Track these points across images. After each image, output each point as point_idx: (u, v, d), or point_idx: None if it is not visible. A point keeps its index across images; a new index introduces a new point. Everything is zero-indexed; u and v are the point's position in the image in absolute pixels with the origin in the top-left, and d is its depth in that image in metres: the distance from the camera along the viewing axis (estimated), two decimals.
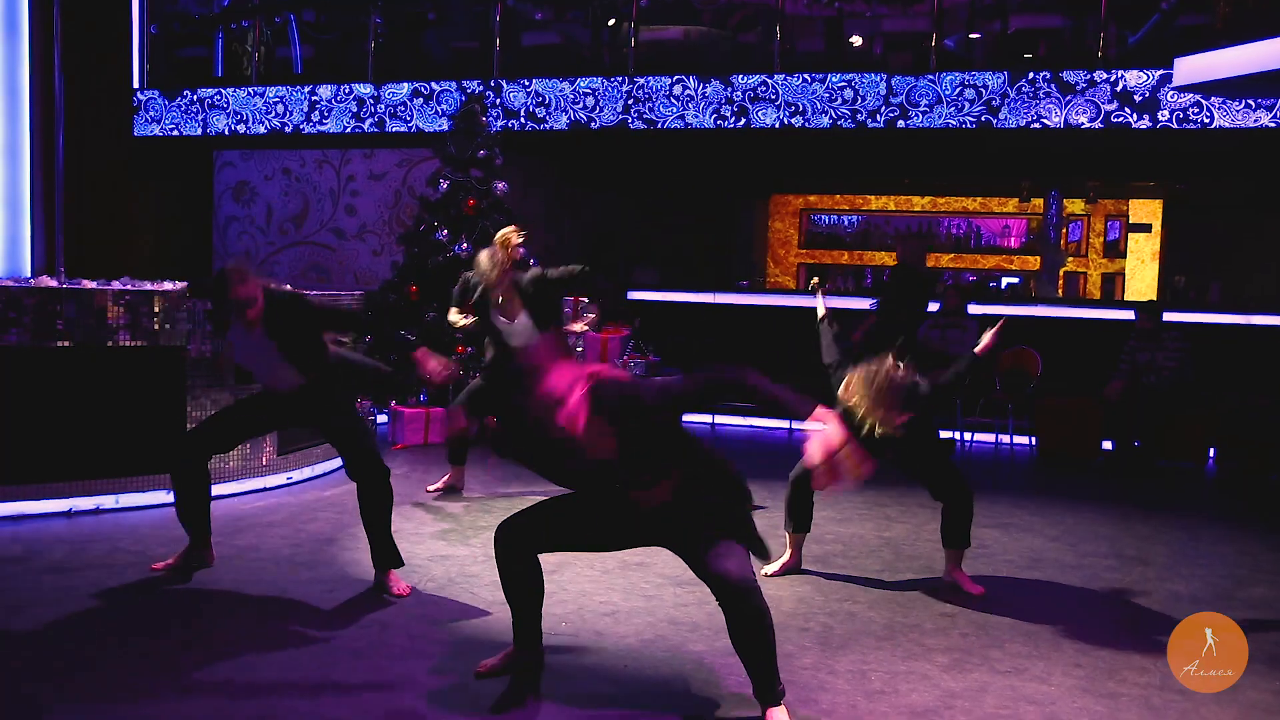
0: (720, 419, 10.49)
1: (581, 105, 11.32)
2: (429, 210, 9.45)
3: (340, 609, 4.54)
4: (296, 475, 7.08)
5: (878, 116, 10.39)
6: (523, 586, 3.72)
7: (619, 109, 11.19)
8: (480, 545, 5.61)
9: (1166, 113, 9.67)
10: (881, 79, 10.41)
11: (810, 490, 5.15)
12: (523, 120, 11.48)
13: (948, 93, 10.22)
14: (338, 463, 7.66)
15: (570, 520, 3.56)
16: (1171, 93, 9.54)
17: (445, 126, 10.92)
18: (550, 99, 11.42)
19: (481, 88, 11.58)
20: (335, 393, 5.00)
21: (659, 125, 11.09)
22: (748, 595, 3.34)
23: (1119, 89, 9.82)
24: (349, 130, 12.09)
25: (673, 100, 11.06)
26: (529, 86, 11.47)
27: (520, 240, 6.34)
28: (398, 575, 4.88)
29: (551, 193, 13.11)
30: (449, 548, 5.55)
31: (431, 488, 6.95)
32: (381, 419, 9.27)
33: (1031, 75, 10.05)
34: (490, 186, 9.43)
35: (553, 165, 13.08)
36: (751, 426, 10.29)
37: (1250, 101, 9.41)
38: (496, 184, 9.46)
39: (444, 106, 11.68)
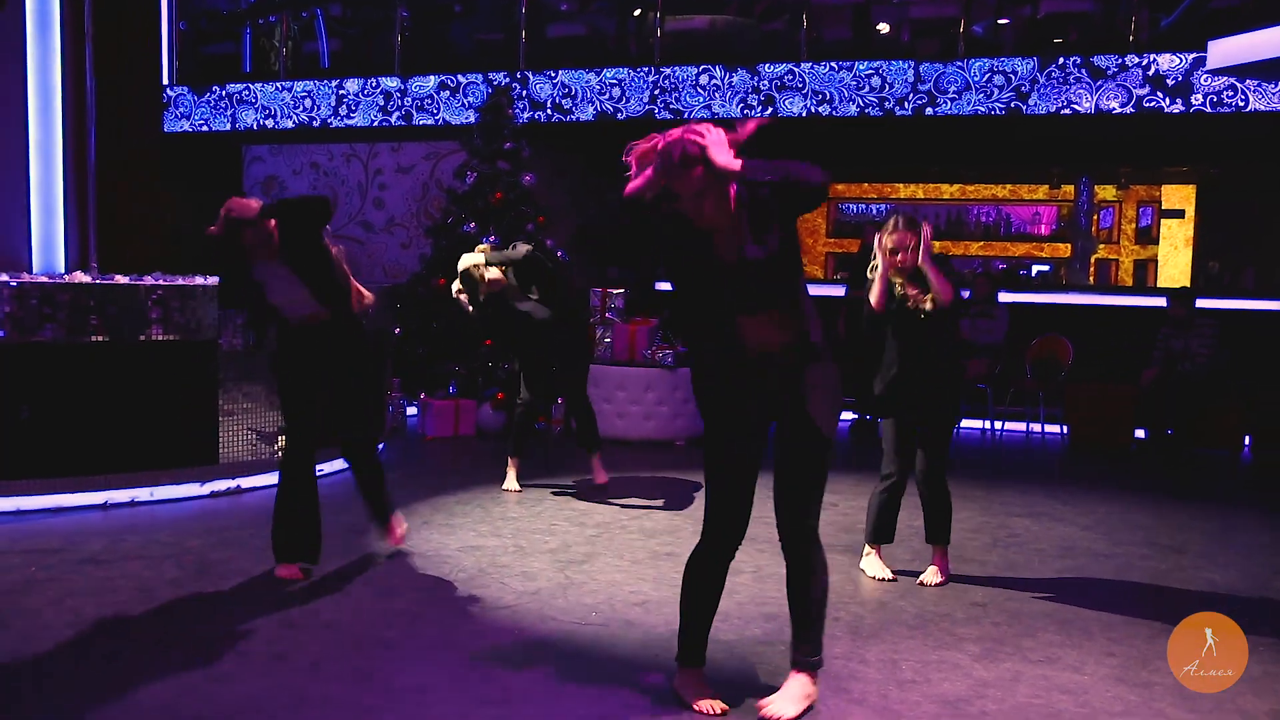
0: None
1: (608, 96, 11.31)
2: (456, 203, 9.48)
3: (371, 599, 4.57)
4: (326, 468, 7.12)
5: (905, 104, 10.33)
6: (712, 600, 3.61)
7: (645, 99, 11.18)
8: (510, 536, 5.63)
9: (1200, 97, 9.55)
10: (909, 66, 10.34)
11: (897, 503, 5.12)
12: (549, 111, 11.49)
13: (976, 79, 10.14)
14: None
15: (743, 490, 3.50)
16: (1205, 76, 9.42)
17: (472, 119, 10.95)
18: (576, 90, 11.42)
19: (507, 80, 11.58)
20: (361, 333, 4.92)
21: (685, 115, 11.07)
22: (818, 546, 3.49)
23: (1151, 73, 9.71)
24: (376, 124, 12.14)
25: (699, 90, 11.03)
26: (555, 78, 11.47)
27: (490, 275, 6.49)
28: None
29: (578, 184, 13.10)
30: (479, 539, 5.57)
31: (507, 487, 6.77)
32: (411, 410, 9.33)
33: (1061, 60, 9.95)
34: (517, 178, 9.46)
35: (579, 157, 13.08)
36: None
37: None
38: (523, 176, 9.48)
39: (470, 99, 11.70)
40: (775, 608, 4.54)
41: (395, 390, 8.87)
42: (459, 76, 11.82)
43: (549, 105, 11.49)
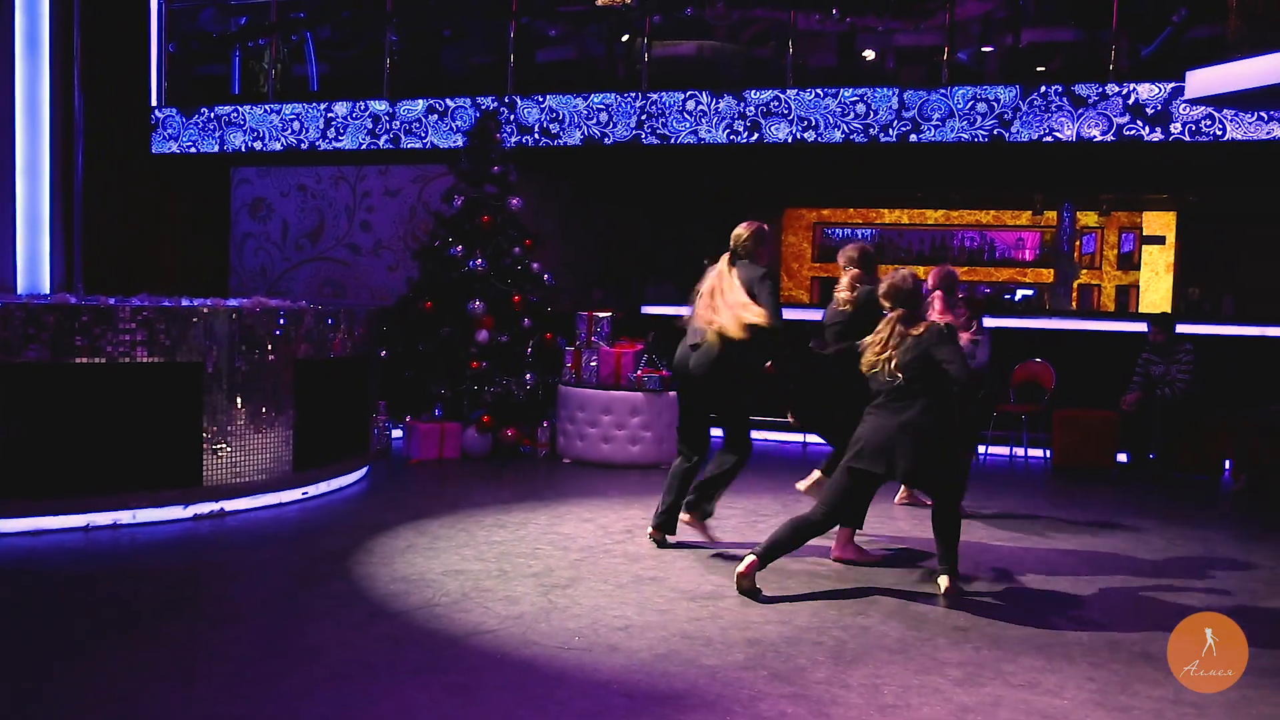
0: None
1: (595, 121, 11.35)
2: (444, 226, 9.49)
3: (354, 623, 4.55)
4: (313, 490, 7.11)
5: (890, 130, 10.40)
6: None
7: (632, 124, 11.23)
8: (494, 560, 5.61)
9: (1179, 125, 9.64)
10: (894, 93, 10.41)
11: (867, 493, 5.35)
12: (537, 136, 11.52)
13: (960, 106, 10.21)
14: (354, 476, 7.69)
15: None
16: (1184, 105, 9.52)
17: (460, 143, 10.96)
18: (564, 114, 11.46)
19: (496, 104, 11.63)
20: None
21: (672, 140, 11.12)
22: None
23: (1131, 102, 9.80)
24: (364, 147, 12.16)
25: (686, 115, 11.08)
26: (543, 102, 11.52)
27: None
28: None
29: (565, 208, 13.14)
30: (463, 562, 5.56)
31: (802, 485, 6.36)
32: (397, 433, 9.30)
33: (1044, 88, 10.04)
34: (505, 202, 9.47)
35: (567, 181, 13.11)
36: (764, 441, 10.27)
37: (1263, 114, 9.38)
38: (511, 200, 9.49)
39: (459, 123, 11.73)
40: (758, 633, 4.54)
41: (380, 413, 8.85)
42: (447, 100, 11.86)
43: (537, 129, 11.53)
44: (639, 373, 8.78)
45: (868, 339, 5.24)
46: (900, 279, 5.24)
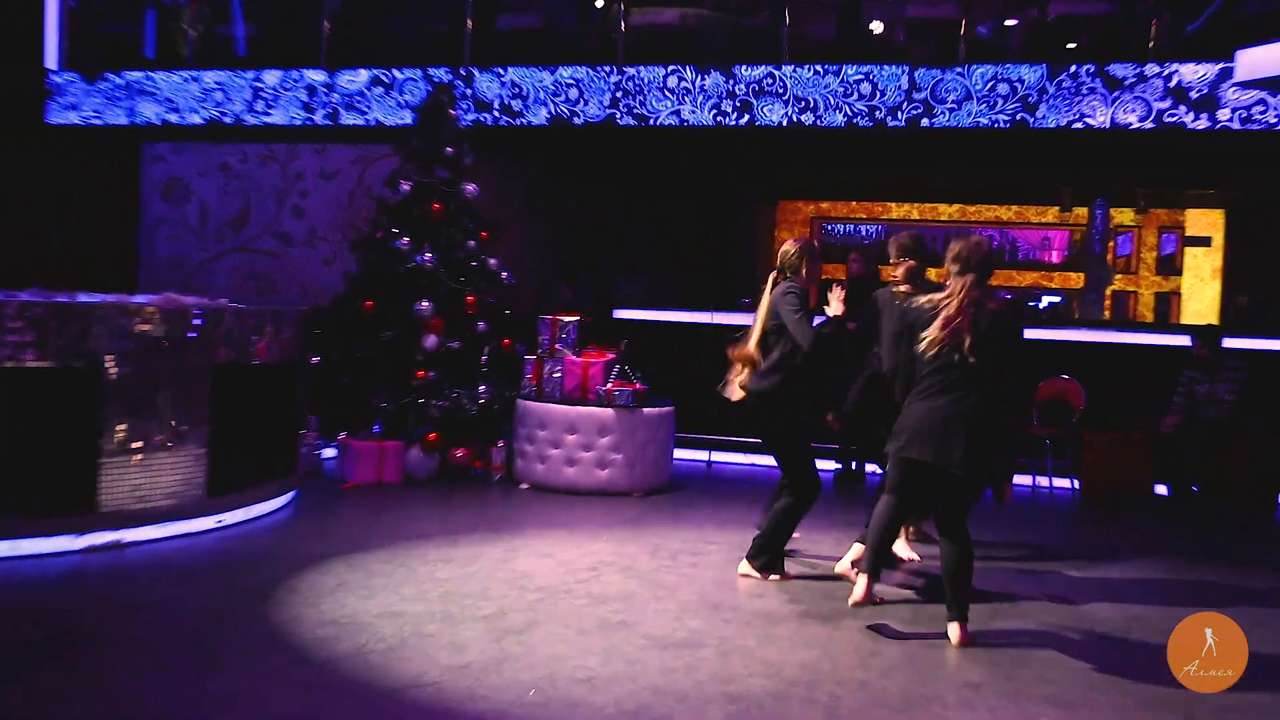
0: (717, 455, 10.47)
1: (564, 98, 11.33)
2: (388, 214, 9.43)
3: (273, 673, 4.49)
4: (230, 518, 7.03)
5: (899, 114, 10.43)
6: None
7: (606, 102, 11.21)
8: (438, 601, 5.56)
9: (1227, 111, 9.72)
10: (903, 71, 10.45)
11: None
12: (497, 114, 11.49)
13: (978, 88, 10.26)
14: (279, 502, 7.62)
15: None
16: (1233, 89, 9.58)
17: (408, 120, 10.92)
18: (528, 90, 11.44)
19: (451, 76, 11.59)
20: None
21: (651, 121, 11.11)
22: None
23: (1173, 84, 9.87)
24: (298, 122, 12.08)
25: (667, 93, 11.08)
26: (504, 76, 11.48)
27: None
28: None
29: (528, 196, 13.11)
30: (402, 603, 5.50)
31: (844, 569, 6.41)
32: (329, 452, 9.23)
33: (1074, 68, 10.10)
34: (459, 188, 9.43)
35: (531, 165, 13.07)
36: (751, 465, 10.26)
37: None
38: (465, 186, 9.45)
39: (407, 97, 11.69)
40: (740, 687, 4.50)
41: (311, 429, 8.78)
42: (395, 71, 11.81)
43: (497, 106, 11.49)
44: (609, 386, 8.74)
45: (931, 302, 5.21)
46: (977, 240, 5.24)
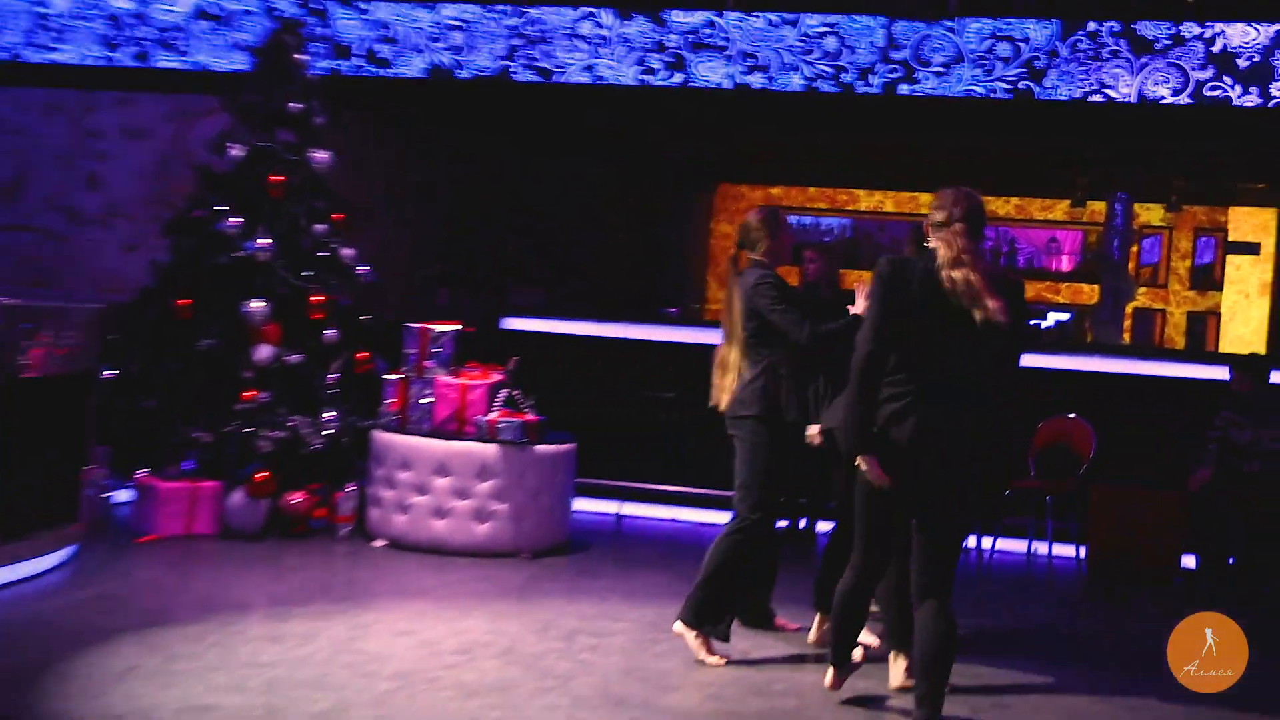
0: (630, 507, 10.45)
1: (446, 43, 11.30)
2: (212, 187, 9.34)
3: None
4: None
5: (872, 78, 10.54)
6: None
7: (500, 51, 11.21)
8: (260, 691, 5.49)
9: None
10: (879, 24, 10.56)
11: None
12: (359, 61, 11.43)
13: (973, 47, 10.40)
14: (54, 559, 7.48)
15: None
16: None
17: (243, 65, 10.81)
18: (401, 32, 11.40)
19: (300, 10, 11.51)
20: None
21: (556, 77, 11.12)
22: None
23: (1217, 50, 10.07)
24: (95, 62, 11.92)
25: (578, 42, 11.09)
26: (369, 13, 11.43)
27: None
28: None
29: (397, 171, 13.05)
30: (212, 694, 5.42)
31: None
32: (123, 495, 9.08)
33: (1093, 26, 10.27)
34: (305, 156, 9.37)
35: (401, 131, 13.01)
36: (673, 521, 10.27)
37: None
38: (315, 153, 9.39)
39: (242, 35, 11.59)
40: None
41: (100, 463, 8.63)
42: (225, 1, 11.70)
43: (360, 52, 11.43)
44: (494, 416, 8.70)
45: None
46: (961, 188, 5.28)
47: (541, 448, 8.73)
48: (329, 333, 9.27)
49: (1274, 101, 9.92)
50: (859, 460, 5.14)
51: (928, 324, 5.08)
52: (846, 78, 10.58)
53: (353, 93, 11.34)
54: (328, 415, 9.13)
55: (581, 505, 9.64)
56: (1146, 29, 10.18)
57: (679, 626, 6.32)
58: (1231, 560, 9.36)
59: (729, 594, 6.35)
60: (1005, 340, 5.08)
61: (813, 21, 10.66)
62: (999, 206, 20.24)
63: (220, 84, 10.98)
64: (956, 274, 5.05)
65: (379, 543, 8.76)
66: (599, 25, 11.05)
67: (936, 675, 5.25)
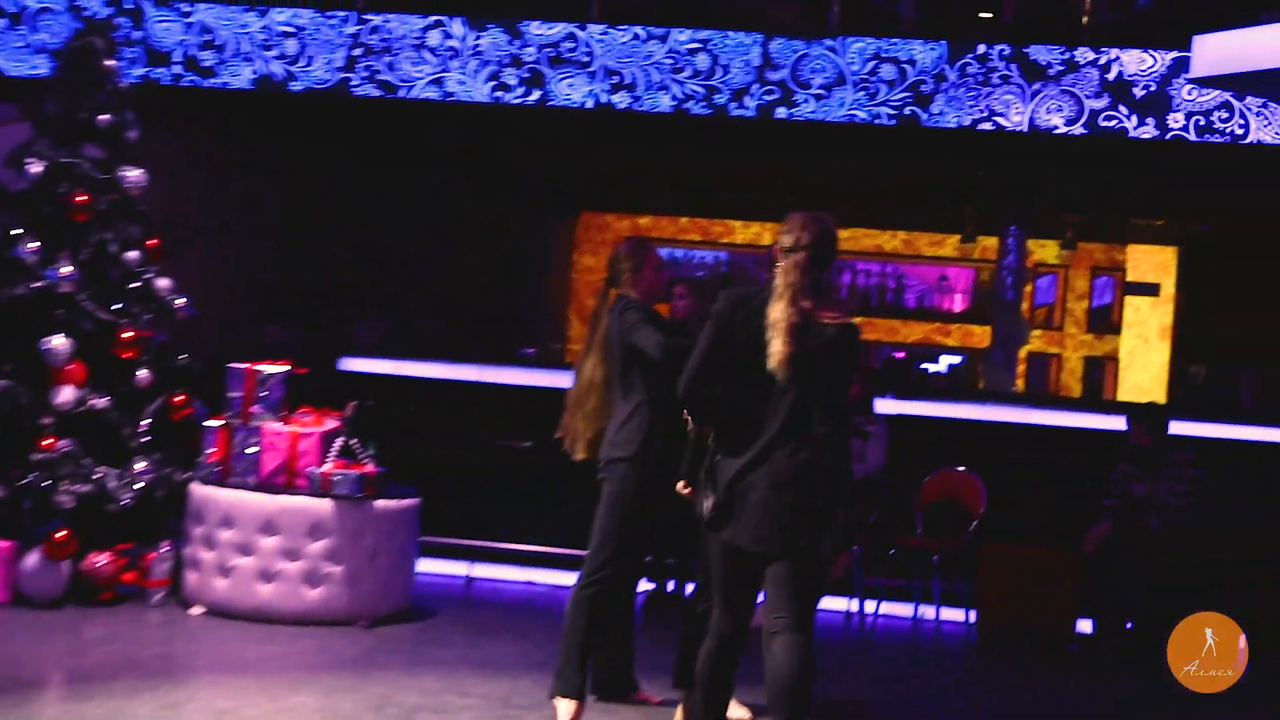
0: (481, 569, 10.39)
1: (278, 52, 11.22)
2: (7, 207, 9.18)
3: None
4: None
5: (747, 99, 10.62)
6: None
7: (339, 62, 11.15)
8: None
9: (1181, 116, 10.16)
10: (755, 41, 10.65)
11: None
12: (178, 69, 11.29)
13: (855, 68, 10.52)
14: None
15: None
16: (1189, 87, 10.01)
17: (44, 69, 10.64)
18: (226, 38, 11.30)
19: (110, 10, 11.36)
20: None
21: (402, 93, 11.08)
22: None
23: (1113, 77, 10.29)
24: None
25: (425, 54, 11.07)
26: (190, 16, 11.31)
27: None
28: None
29: (221, 193, 12.90)
30: None
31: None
32: None
33: (983, 49, 10.44)
34: (115, 174, 9.25)
35: (226, 148, 12.87)
36: (528, 584, 10.24)
37: None
38: (126, 171, 9.27)
39: (43, 36, 11.42)
40: None
41: None
42: None
43: (179, 59, 11.30)
44: (328, 468, 8.61)
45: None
46: (814, 213, 5.34)
47: (381, 503, 8.65)
48: (141, 373, 9.14)
49: (1171, 134, 10.15)
50: (679, 485, 5.49)
51: (756, 363, 5.15)
52: (720, 99, 10.65)
53: (172, 106, 11.20)
54: (139, 466, 8.99)
55: (426, 566, 9.57)
56: (1039, 54, 10.38)
57: (560, 705, 6.29)
58: (1129, 624, 9.46)
59: (592, 651, 6.38)
60: (797, 393, 5.14)
61: (683, 37, 10.73)
62: (885, 241, 20.50)
63: (17, 91, 10.78)
64: (774, 310, 5.14)
65: (197, 610, 8.62)
66: (449, 36, 11.03)
67: (799, 701, 5.22)
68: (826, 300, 5.23)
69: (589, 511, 6.48)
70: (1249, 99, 9.93)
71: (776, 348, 5.07)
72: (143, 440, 9.11)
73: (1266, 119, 10.04)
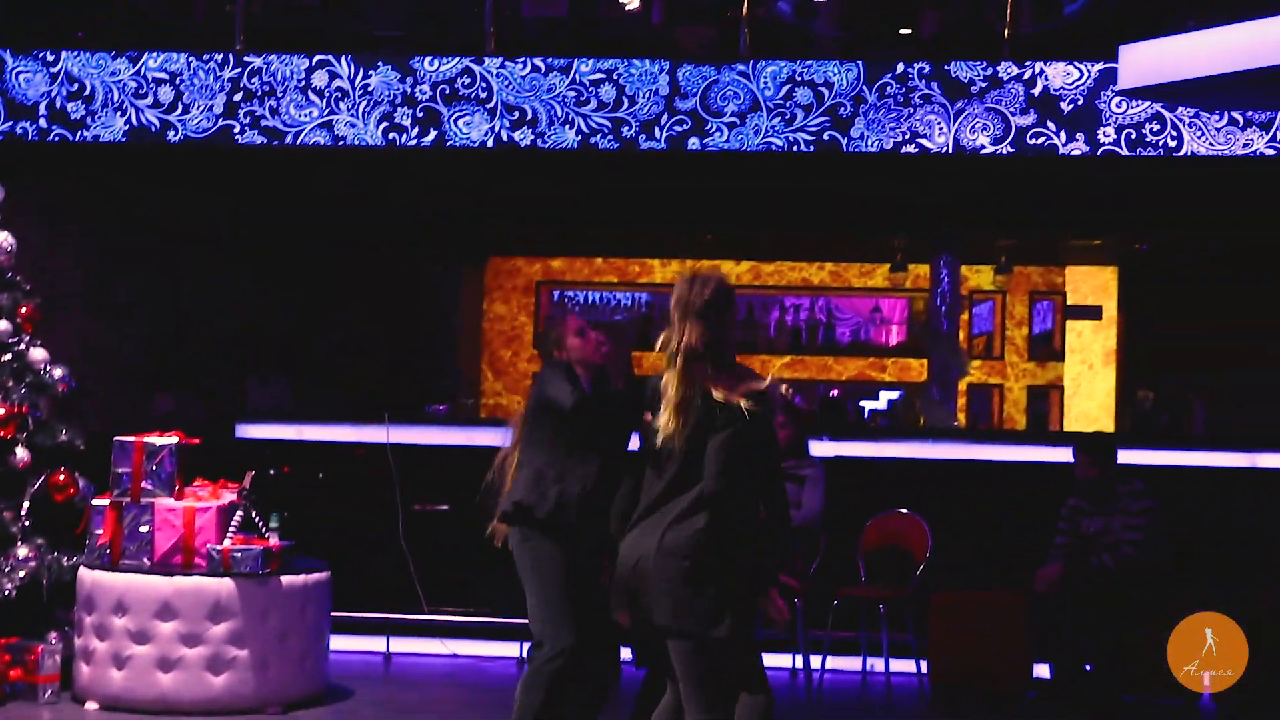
0: (401, 643, 10.34)
1: (152, 99, 11.18)
2: None
3: None
4: None
5: (657, 131, 10.65)
6: None
7: (218, 109, 11.11)
8: None
9: (1112, 130, 10.29)
10: (662, 69, 10.70)
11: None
12: (44, 123, 11.23)
13: (769, 93, 10.58)
14: None
15: None
16: (1117, 99, 10.14)
17: None
18: (95, 86, 11.24)
19: None
20: None
21: (289, 139, 11.06)
22: None
23: (1037, 92, 10.41)
24: None
25: (310, 96, 11.06)
26: (57, 64, 11.26)
27: None
28: None
29: (99, 255, 12.81)
30: None
31: None
32: None
33: (901, 68, 10.54)
34: None
35: (101, 206, 12.79)
36: (453, 657, 10.19)
37: (1237, 116, 10.10)
38: None
39: None
40: None
41: None
42: None
43: (44, 110, 11.24)
44: (227, 544, 8.56)
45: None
46: (708, 274, 5.42)
47: (288, 579, 8.60)
48: (19, 453, 9.07)
49: (1103, 149, 10.26)
50: None
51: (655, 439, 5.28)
52: (628, 131, 10.68)
53: (40, 162, 11.13)
54: (21, 553, 8.92)
55: (340, 644, 9.52)
56: (960, 70, 10.48)
57: None
58: (1088, 667, 9.49)
59: None
60: (690, 464, 5.20)
61: (586, 68, 10.76)
62: (813, 274, 20.57)
63: None
64: (667, 375, 5.25)
65: (91, 706, 8.55)
66: (335, 76, 11.01)
67: None
68: (728, 372, 5.27)
69: (513, 575, 6.49)
70: (1180, 110, 10.05)
71: (664, 419, 5.17)
72: (24, 525, 9.04)
73: (1199, 130, 10.18)
